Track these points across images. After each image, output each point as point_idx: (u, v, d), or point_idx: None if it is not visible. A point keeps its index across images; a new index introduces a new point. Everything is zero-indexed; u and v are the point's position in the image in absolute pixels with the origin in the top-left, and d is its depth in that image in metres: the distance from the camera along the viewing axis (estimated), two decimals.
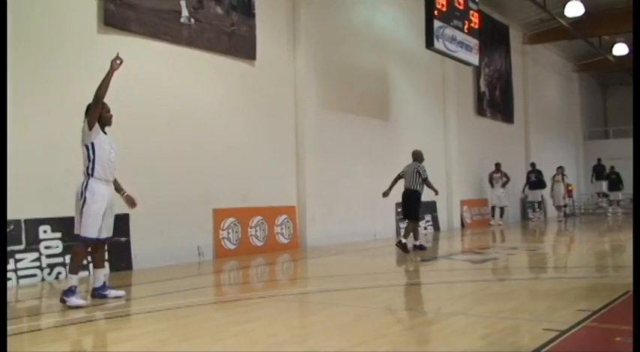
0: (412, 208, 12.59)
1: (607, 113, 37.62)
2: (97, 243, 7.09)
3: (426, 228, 18.56)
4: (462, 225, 20.76)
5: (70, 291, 6.68)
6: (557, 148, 29.35)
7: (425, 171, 12.79)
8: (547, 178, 24.09)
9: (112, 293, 7.22)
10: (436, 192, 13.00)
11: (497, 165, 21.89)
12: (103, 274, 7.29)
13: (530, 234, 19.25)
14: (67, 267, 7.12)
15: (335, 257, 12.35)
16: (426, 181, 12.72)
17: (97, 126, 7.04)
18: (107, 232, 7.14)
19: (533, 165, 24.09)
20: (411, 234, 12.45)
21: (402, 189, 12.69)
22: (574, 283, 8.33)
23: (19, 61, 9.16)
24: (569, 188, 26.25)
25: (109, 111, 7.22)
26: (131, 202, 7.30)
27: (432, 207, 19.09)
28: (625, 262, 8.23)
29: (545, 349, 4.51)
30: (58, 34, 9.81)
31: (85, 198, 6.80)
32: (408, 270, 10.62)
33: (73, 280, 6.75)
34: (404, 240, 12.13)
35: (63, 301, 6.68)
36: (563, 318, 5.60)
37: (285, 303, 7.21)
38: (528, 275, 9.72)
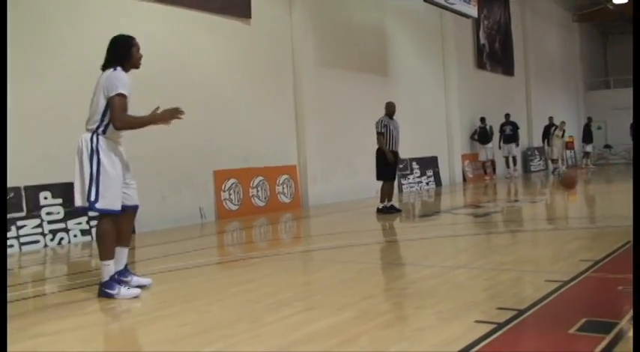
0: (376, 167, 11.61)
1: (608, 63, 37.32)
2: (125, 211, 5.45)
3: (427, 184, 18.57)
4: (464, 180, 20.75)
5: (114, 282, 5.31)
6: (558, 100, 29.20)
7: (380, 124, 11.40)
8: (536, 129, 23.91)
9: (135, 279, 5.62)
10: (387, 154, 11.28)
11: (507, 116, 21.86)
12: (125, 255, 5.60)
13: (532, 186, 19.24)
14: (100, 256, 5.39)
15: (337, 215, 12.36)
16: (378, 137, 11.44)
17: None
18: (134, 200, 5.56)
19: (507, 116, 22.50)
20: (387, 195, 11.60)
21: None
22: (576, 234, 8.33)
23: (15, 25, 9.04)
24: (570, 140, 26.18)
25: (139, 49, 5.64)
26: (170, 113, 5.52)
27: (433, 162, 19.09)
28: (625, 212, 8.21)
29: (547, 300, 4.51)
30: None
31: (98, 159, 5.20)
32: (409, 226, 10.63)
33: (110, 267, 5.32)
34: (380, 205, 11.61)
35: (106, 295, 5.26)
36: (566, 269, 5.60)
37: (288, 262, 7.23)
38: (530, 227, 9.73)
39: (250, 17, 12.94)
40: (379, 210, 11.56)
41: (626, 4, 26.40)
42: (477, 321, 4.00)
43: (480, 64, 22.69)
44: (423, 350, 3.54)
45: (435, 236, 8.73)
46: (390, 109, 11.60)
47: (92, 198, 5.18)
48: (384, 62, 17.33)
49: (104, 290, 5.30)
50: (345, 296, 4.99)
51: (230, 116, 12.42)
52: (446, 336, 3.74)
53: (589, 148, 27.20)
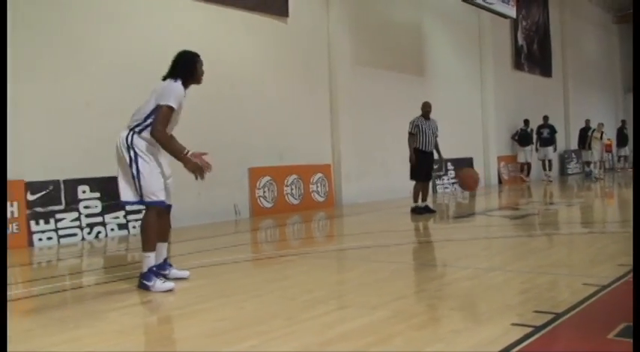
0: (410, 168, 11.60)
1: None
2: (163, 209, 5.61)
3: None
4: (500, 182, 20.57)
5: (151, 273, 5.41)
6: (596, 102, 28.77)
7: (412, 124, 11.46)
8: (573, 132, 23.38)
9: (173, 272, 5.81)
10: (410, 155, 11.40)
11: (545, 119, 21.52)
12: (164, 249, 5.79)
13: (569, 189, 19.01)
14: (142, 248, 5.52)
15: (370, 214, 12.34)
16: (409, 137, 11.51)
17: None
18: (168, 199, 5.67)
19: (545, 118, 21.75)
20: (420, 195, 11.60)
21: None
22: (613, 237, 8.22)
23: (58, 20, 9.22)
24: (609, 143, 25.71)
25: (202, 65, 5.75)
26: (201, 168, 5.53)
27: (468, 163, 18.95)
28: None
29: (584, 304, 4.46)
30: None
31: (136, 154, 5.36)
32: (444, 227, 10.58)
33: (151, 259, 5.46)
34: (413, 205, 11.57)
35: (144, 286, 5.40)
36: (603, 273, 5.53)
37: (322, 260, 7.24)
38: (567, 230, 9.62)
39: (287, 16, 12.98)
40: (413, 210, 11.52)
41: None
42: (513, 324, 3.97)
43: (518, 65, 22.46)
44: (458, 351, 3.53)
45: (470, 237, 8.67)
46: (426, 109, 11.56)
47: (138, 192, 5.40)
48: (420, 61, 17.26)
49: (142, 282, 5.45)
50: (379, 295, 4.98)
51: (266, 114, 12.46)
52: (481, 338, 3.72)
53: (622, 152, 26.70)
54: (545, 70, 24.33)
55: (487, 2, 15.76)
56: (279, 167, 12.71)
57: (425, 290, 5.36)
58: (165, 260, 5.76)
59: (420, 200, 11.56)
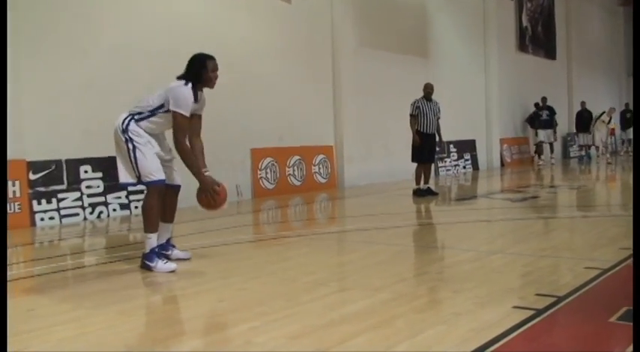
0: (411, 149, 11.56)
1: None
2: (167, 190, 5.66)
3: (464, 167, 18.44)
4: (502, 164, 20.53)
5: (154, 254, 5.44)
6: (599, 85, 28.65)
7: (413, 106, 11.43)
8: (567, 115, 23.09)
9: (175, 253, 5.86)
10: (413, 136, 11.34)
11: (544, 100, 21.15)
12: (168, 230, 5.82)
13: (571, 172, 18.98)
14: (144, 229, 5.53)
15: (372, 196, 12.34)
16: (410, 119, 11.46)
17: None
18: (175, 179, 5.79)
19: (544, 99, 20.89)
20: (422, 177, 11.60)
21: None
22: (615, 221, 8.20)
23: (60, 4, 9.17)
24: (613, 127, 25.45)
25: (215, 69, 5.65)
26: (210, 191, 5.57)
27: (471, 145, 18.92)
28: None
29: (586, 287, 4.46)
30: None
31: (130, 137, 5.38)
32: (446, 209, 10.58)
33: (153, 240, 5.48)
34: (415, 188, 11.58)
35: (146, 266, 5.42)
36: (605, 256, 5.53)
37: (324, 242, 7.23)
38: (569, 213, 9.61)
39: None
40: (415, 193, 11.51)
41: None
42: (514, 307, 3.97)
43: (522, 47, 22.34)
44: (460, 333, 3.53)
45: (472, 220, 8.67)
46: (427, 90, 11.48)
47: (135, 173, 5.44)
48: (424, 43, 17.16)
49: (144, 262, 5.48)
50: (381, 278, 4.98)
51: (268, 95, 12.41)
52: (483, 321, 3.72)
53: (625, 135, 26.40)
54: (550, 53, 24.21)
55: None
56: (281, 148, 12.68)
57: (427, 272, 5.36)
58: (168, 240, 5.79)
59: (422, 182, 11.53)
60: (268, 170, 12.40)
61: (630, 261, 5.31)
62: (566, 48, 25.66)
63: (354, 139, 14.33)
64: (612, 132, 25.92)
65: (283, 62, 12.85)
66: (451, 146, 17.69)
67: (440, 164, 17.25)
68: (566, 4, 25.61)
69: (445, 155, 17.52)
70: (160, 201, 5.57)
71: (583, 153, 23.73)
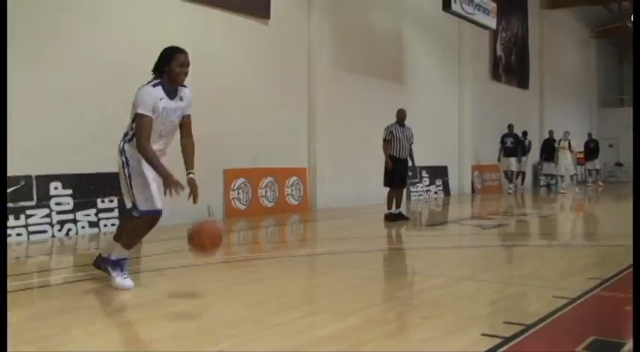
0: (383, 174, 11.64)
1: (624, 81, 37.15)
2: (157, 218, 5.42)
3: (436, 193, 18.54)
4: (473, 191, 20.69)
5: (118, 265, 5.37)
6: (571, 115, 29.05)
7: (386, 131, 11.50)
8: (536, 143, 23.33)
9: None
10: (386, 161, 11.40)
11: (510, 127, 21.18)
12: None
13: (542, 201, 19.17)
14: (121, 241, 5.41)
15: (344, 219, 12.34)
16: (383, 143, 11.52)
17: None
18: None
19: (510, 127, 20.89)
20: (393, 201, 11.61)
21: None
22: (584, 251, 8.29)
23: (30, 15, 9.09)
24: (579, 154, 24.98)
25: (183, 64, 5.38)
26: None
27: (442, 171, 19.05)
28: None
29: (554, 316, 4.49)
30: None
31: (127, 163, 5.25)
32: (416, 235, 10.61)
33: (125, 253, 5.40)
34: (387, 212, 11.58)
35: (105, 270, 5.42)
36: (573, 286, 5.57)
37: (294, 264, 7.21)
38: (538, 241, 9.69)
39: (269, 18, 12.93)
40: (387, 217, 11.54)
41: None
42: (483, 334, 3.98)
43: (496, 76, 22.63)
44: None
45: (442, 246, 8.70)
46: (400, 116, 11.57)
47: (132, 200, 5.27)
48: (399, 69, 17.31)
49: (106, 266, 5.43)
50: (351, 302, 4.98)
51: (243, 115, 12.39)
52: (451, 348, 3.73)
53: (591, 165, 25.96)
54: (523, 82, 24.54)
55: (468, 13, 15.84)
56: (254, 169, 12.65)
57: (397, 297, 5.36)
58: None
59: (393, 206, 11.57)
60: (241, 190, 12.35)
61: (598, 291, 5.37)
62: (539, 77, 26.04)
63: (328, 162, 14.35)
64: (582, 161, 25.77)
65: (259, 83, 12.86)
66: (423, 171, 17.78)
67: (412, 189, 17.32)
68: (540, 34, 26.02)
69: (417, 180, 17.60)
70: (149, 228, 5.41)
71: (551, 181, 23.89)
